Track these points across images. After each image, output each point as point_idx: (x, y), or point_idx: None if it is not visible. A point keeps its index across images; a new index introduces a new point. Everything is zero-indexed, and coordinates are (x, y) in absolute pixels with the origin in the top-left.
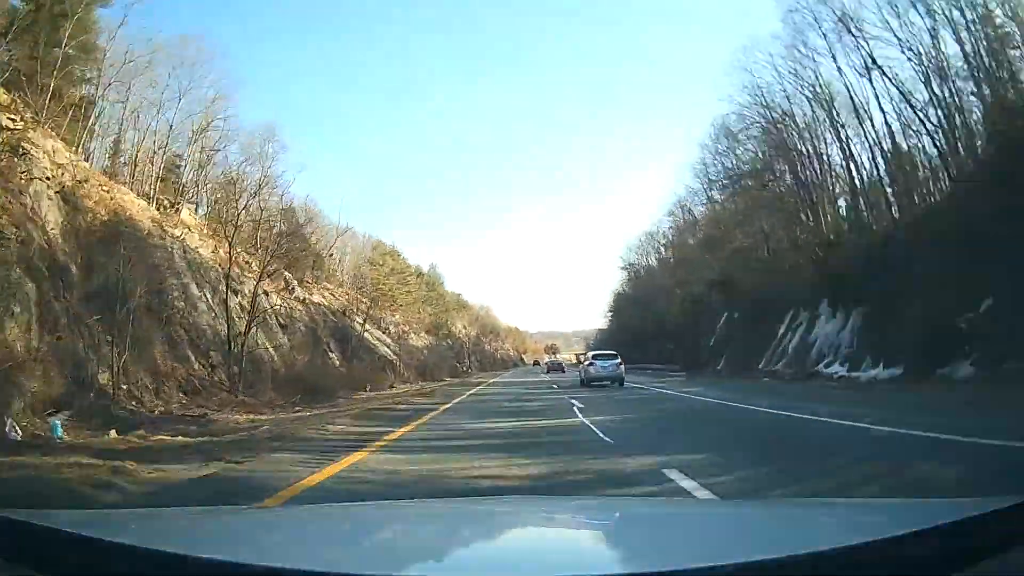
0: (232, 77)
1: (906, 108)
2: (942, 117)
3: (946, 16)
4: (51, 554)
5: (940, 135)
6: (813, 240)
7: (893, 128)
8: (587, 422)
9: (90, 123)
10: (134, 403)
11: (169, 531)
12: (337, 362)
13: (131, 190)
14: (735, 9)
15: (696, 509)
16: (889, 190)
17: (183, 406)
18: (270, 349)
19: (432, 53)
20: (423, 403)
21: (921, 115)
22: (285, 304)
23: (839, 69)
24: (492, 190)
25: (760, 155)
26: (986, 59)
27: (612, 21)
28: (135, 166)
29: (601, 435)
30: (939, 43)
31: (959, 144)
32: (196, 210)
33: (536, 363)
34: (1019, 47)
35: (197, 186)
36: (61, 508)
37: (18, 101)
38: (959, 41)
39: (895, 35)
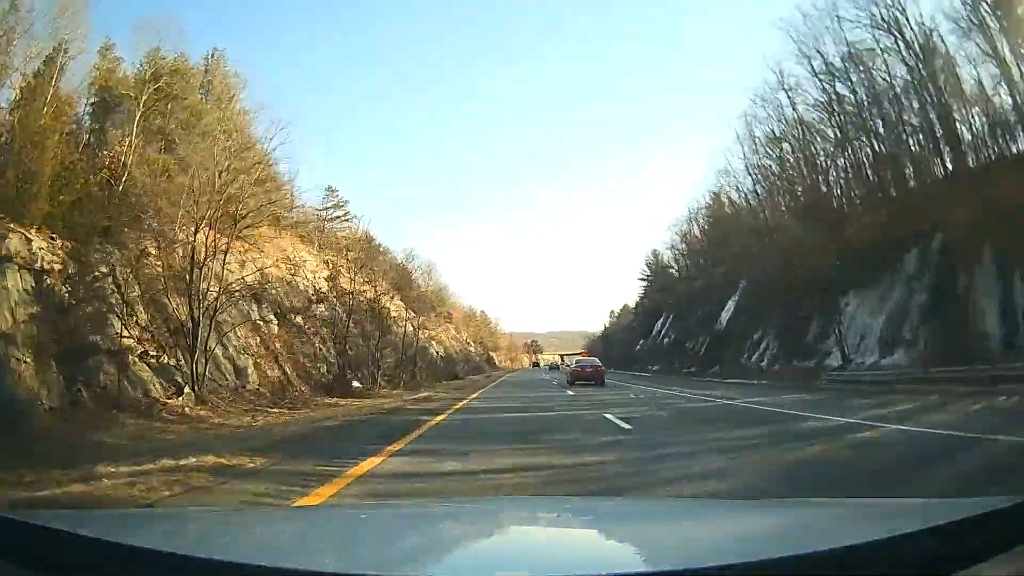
0: None
1: None
2: None
3: None
4: (51, 554)
5: None
6: None
7: None
8: None
9: None
10: None
11: (168, 531)
12: None
13: None
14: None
15: (696, 509)
16: None
17: None
18: None
19: (421, 49)
20: None
21: None
22: None
23: None
24: (479, 187)
25: None
26: None
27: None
28: None
29: None
30: None
31: None
32: None
33: (536, 364)
34: None
35: None
36: None
37: None
38: None
39: None
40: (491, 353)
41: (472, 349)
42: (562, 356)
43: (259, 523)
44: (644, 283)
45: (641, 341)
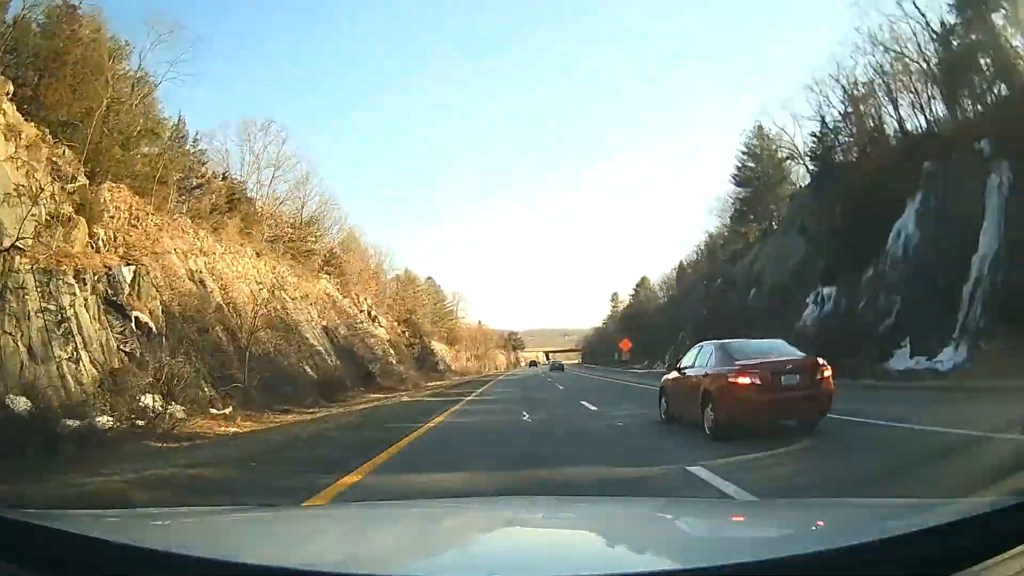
0: None
1: None
2: None
3: None
4: (51, 554)
5: None
6: None
7: None
8: None
9: None
10: None
11: (168, 531)
12: None
13: None
14: None
15: (696, 509)
16: None
17: None
18: None
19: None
20: None
21: None
22: None
23: None
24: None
25: None
26: None
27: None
28: None
29: None
30: None
31: None
32: None
33: (533, 364)
34: None
35: None
36: None
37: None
38: None
39: None
40: (436, 345)
41: (381, 333)
42: (547, 354)
43: (259, 523)
44: (744, 191)
45: (818, 292)
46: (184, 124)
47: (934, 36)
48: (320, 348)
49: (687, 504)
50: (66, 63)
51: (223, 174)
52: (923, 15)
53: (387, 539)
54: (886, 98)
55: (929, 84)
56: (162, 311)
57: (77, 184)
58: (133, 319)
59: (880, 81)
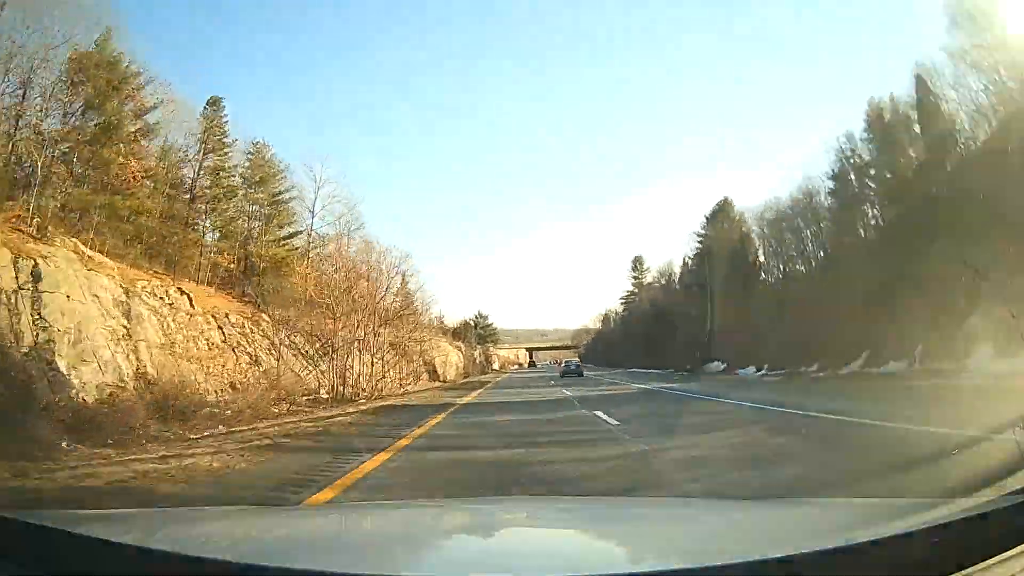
0: None
1: None
2: None
3: None
4: (51, 554)
5: None
6: None
7: None
8: None
9: None
10: None
11: (169, 531)
12: None
13: None
14: None
15: (696, 509)
16: None
17: None
18: None
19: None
20: None
21: None
22: None
23: None
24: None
25: None
26: None
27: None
28: None
29: None
30: None
31: None
32: None
33: (532, 364)
34: None
35: None
36: None
37: None
38: None
39: None
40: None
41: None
42: (530, 351)
43: (259, 523)
44: None
45: None
46: None
47: None
48: None
49: (687, 504)
50: None
51: None
52: None
53: (387, 539)
54: None
55: None
56: None
57: None
58: None
59: None
